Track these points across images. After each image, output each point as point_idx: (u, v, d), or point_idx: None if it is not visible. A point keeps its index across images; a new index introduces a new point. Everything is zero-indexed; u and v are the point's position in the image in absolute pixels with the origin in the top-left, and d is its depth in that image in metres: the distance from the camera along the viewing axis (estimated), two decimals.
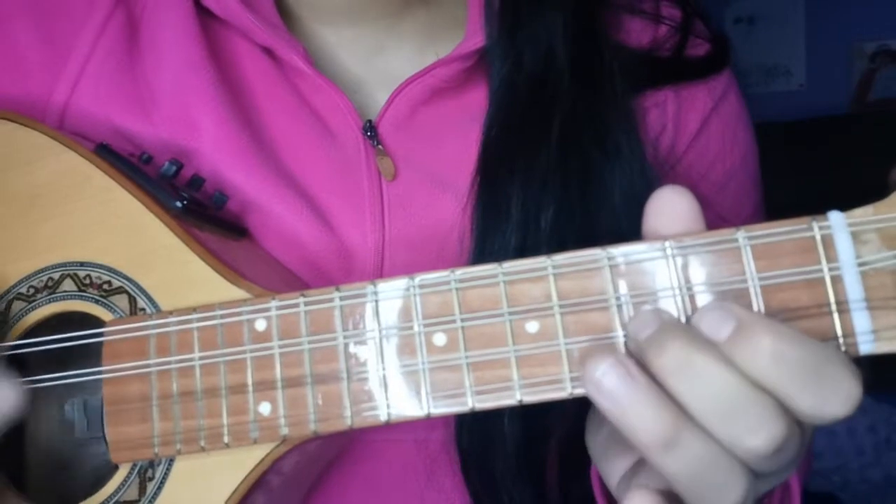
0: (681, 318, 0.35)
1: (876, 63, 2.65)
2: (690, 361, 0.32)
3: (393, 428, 0.52)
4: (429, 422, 0.52)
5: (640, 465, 0.38)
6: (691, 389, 0.32)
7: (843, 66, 2.67)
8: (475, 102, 0.55)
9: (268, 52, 0.54)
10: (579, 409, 0.42)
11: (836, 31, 2.64)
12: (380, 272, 0.52)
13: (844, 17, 2.62)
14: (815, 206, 0.35)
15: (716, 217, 0.52)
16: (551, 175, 0.51)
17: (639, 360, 0.34)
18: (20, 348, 0.45)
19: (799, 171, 1.74)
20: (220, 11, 0.53)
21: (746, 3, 2.68)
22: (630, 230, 0.36)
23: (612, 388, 0.33)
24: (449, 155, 0.54)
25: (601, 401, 0.33)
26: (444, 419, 0.52)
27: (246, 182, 0.51)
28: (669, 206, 0.35)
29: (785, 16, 2.68)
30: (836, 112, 2.63)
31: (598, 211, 0.50)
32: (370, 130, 0.54)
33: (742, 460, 0.33)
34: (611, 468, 0.40)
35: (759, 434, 0.32)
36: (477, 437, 0.51)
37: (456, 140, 0.55)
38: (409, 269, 0.38)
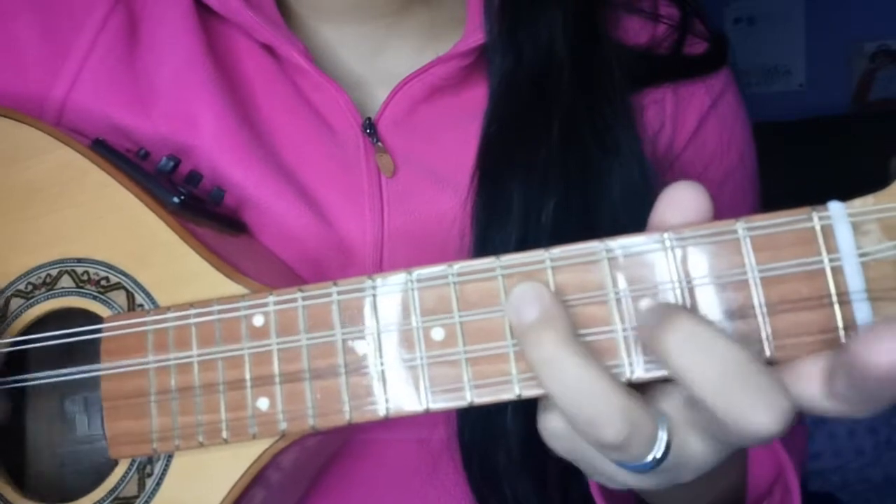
0: None
1: (876, 63, 2.65)
2: (697, 333, 0.32)
3: (395, 427, 0.52)
4: (430, 421, 0.52)
5: None
6: (697, 363, 0.32)
7: (843, 66, 2.67)
8: (475, 100, 0.55)
9: (268, 49, 0.54)
10: None
11: (836, 31, 2.64)
12: (379, 268, 0.52)
13: (844, 17, 2.61)
14: (815, 205, 0.35)
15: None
16: (551, 171, 0.51)
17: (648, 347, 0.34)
18: (19, 345, 0.45)
19: (799, 171, 1.74)
20: (220, 8, 0.53)
21: (746, 3, 2.68)
22: (629, 226, 0.36)
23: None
24: (448, 152, 0.54)
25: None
26: (446, 417, 0.52)
27: (245, 178, 0.51)
28: (685, 198, 0.35)
29: (785, 16, 2.67)
30: (836, 112, 2.63)
31: (597, 206, 0.50)
32: (370, 128, 0.54)
33: (737, 437, 0.32)
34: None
35: (768, 410, 0.31)
36: (479, 433, 0.50)
37: (455, 137, 0.55)
38: (408, 266, 0.37)
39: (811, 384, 0.32)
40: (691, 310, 0.34)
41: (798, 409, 0.33)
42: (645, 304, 0.34)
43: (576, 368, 0.33)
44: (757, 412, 0.31)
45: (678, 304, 0.34)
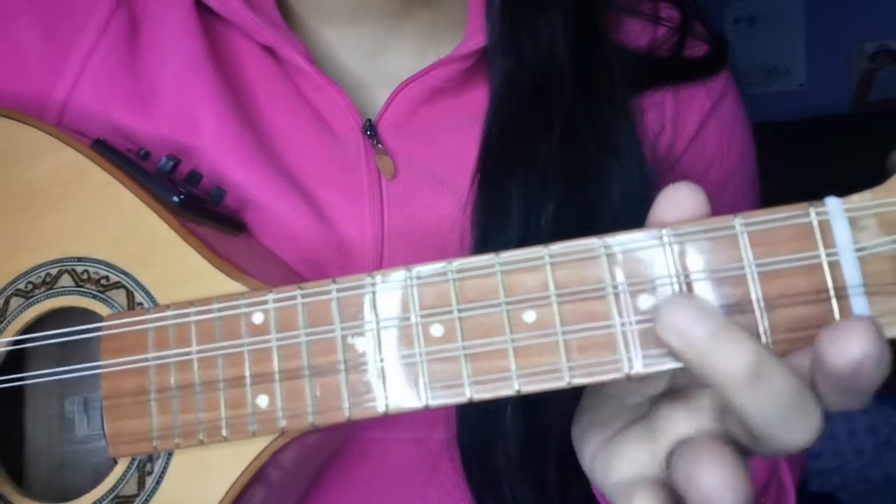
0: None
1: (876, 63, 2.65)
2: (761, 369, 0.31)
3: (394, 427, 0.52)
4: (430, 420, 0.52)
5: (611, 440, 0.38)
6: (759, 399, 0.31)
7: (842, 66, 2.67)
8: (475, 102, 0.55)
9: (269, 50, 0.55)
10: (580, 402, 0.42)
11: (836, 31, 2.64)
12: (378, 269, 0.52)
13: (844, 17, 2.62)
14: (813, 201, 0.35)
15: None
16: (551, 173, 0.51)
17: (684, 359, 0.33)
18: (18, 344, 0.45)
19: (799, 171, 1.74)
20: (221, 10, 0.53)
21: (746, 3, 2.69)
22: (629, 228, 0.36)
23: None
24: (449, 154, 0.54)
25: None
26: (446, 417, 0.52)
27: (245, 179, 0.51)
28: (683, 199, 0.35)
29: (785, 16, 2.68)
30: (836, 112, 2.63)
31: (597, 209, 0.51)
32: (370, 129, 0.54)
33: (771, 452, 0.33)
34: (586, 449, 0.40)
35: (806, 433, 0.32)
36: (478, 434, 0.50)
37: (456, 139, 0.55)
38: None
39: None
40: (753, 331, 0.33)
41: None
42: (684, 306, 0.32)
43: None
44: (800, 434, 0.32)
45: (741, 323, 0.33)
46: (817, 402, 0.32)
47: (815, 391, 0.32)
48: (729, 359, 0.31)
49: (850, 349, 0.30)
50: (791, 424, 0.32)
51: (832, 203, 0.33)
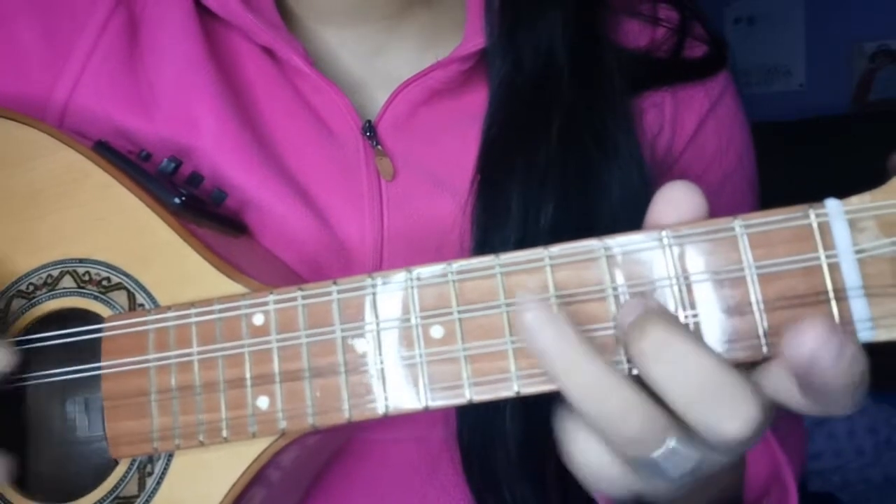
0: (678, 308, 0.34)
1: (876, 63, 2.65)
2: (668, 344, 0.32)
3: (394, 427, 0.52)
4: (429, 420, 0.52)
5: None
6: (668, 374, 0.32)
7: (843, 66, 2.67)
8: (474, 103, 0.55)
9: (268, 52, 0.55)
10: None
11: (836, 31, 2.64)
12: (378, 270, 0.52)
13: (844, 17, 2.61)
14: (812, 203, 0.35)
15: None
16: (550, 174, 0.51)
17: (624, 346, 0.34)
18: (20, 345, 0.45)
19: (799, 171, 1.74)
20: (221, 11, 0.53)
21: (746, 3, 2.68)
22: (628, 229, 0.36)
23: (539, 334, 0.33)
24: (448, 155, 0.54)
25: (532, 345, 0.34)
26: (445, 417, 0.52)
27: (246, 180, 0.51)
28: (680, 197, 0.35)
29: (785, 16, 2.68)
30: (836, 112, 2.63)
31: (596, 209, 0.51)
32: (369, 131, 0.54)
33: (713, 444, 0.33)
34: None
35: (735, 419, 0.32)
36: (478, 434, 0.51)
37: (455, 140, 0.55)
38: None
39: (789, 380, 0.33)
40: (664, 312, 0.34)
41: (771, 411, 0.33)
42: (625, 301, 0.34)
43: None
44: (726, 421, 0.32)
45: (654, 304, 0.34)
46: (751, 391, 0.32)
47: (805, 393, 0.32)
48: (636, 335, 0.33)
49: (803, 341, 0.30)
50: (711, 406, 0.32)
51: (832, 205, 0.33)
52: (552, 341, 0.33)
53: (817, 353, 0.30)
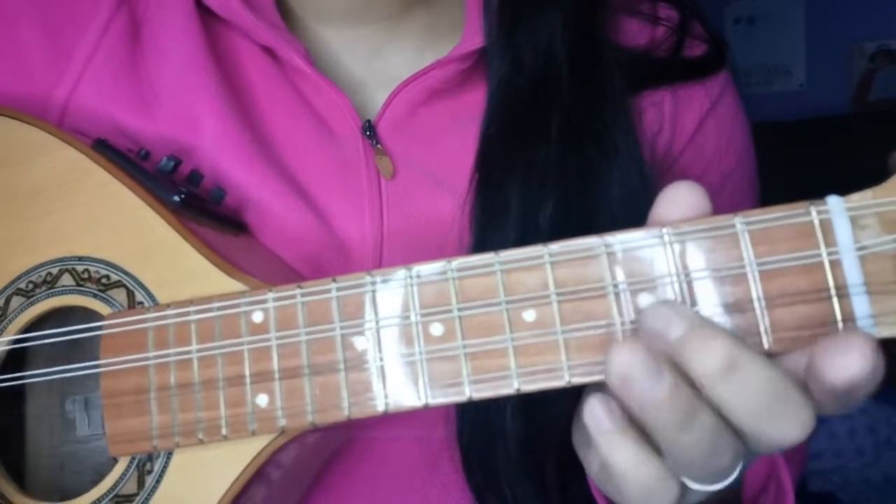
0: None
1: (876, 63, 2.65)
2: (736, 365, 0.32)
3: (394, 426, 0.52)
4: (430, 419, 0.52)
5: None
6: (736, 392, 0.32)
7: (842, 66, 2.67)
8: (474, 103, 0.55)
9: (269, 51, 0.55)
10: (579, 406, 0.42)
11: (836, 31, 2.64)
12: (378, 269, 0.52)
13: (844, 17, 2.62)
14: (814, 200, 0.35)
15: None
16: (550, 173, 0.51)
17: (671, 360, 0.33)
18: (19, 343, 0.45)
19: (799, 171, 1.73)
20: (222, 11, 0.54)
21: (746, 3, 2.69)
22: (628, 228, 0.36)
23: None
24: (448, 154, 0.55)
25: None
26: (445, 416, 0.52)
27: (246, 179, 0.51)
28: (684, 197, 0.35)
29: (785, 16, 2.68)
30: (836, 112, 2.63)
31: (596, 209, 0.51)
32: (369, 130, 0.54)
33: (767, 447, 0.33)
34: (591, 456, 0.40)
35: (796, 427, 0.32)
36: (478, 433, 0.50)
37: (454, 140, 0.55)
38: None
39: (816, 391, 0.33)
40: (717, 327, 0.33)
41: None
42: (662, 312, 0.33)
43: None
44: (790, 430, 0.32)
45: (694, 315, 0.33)
46: (807, 397, 0.33)
47: (809, 391, 0.33)
48: (701, 356, 0.32)
49: (847, 365, 0.31)
50: (777, 418, 0.32)
51: (833, 202, 0.33)
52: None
53: (860, 375, 0.31)
